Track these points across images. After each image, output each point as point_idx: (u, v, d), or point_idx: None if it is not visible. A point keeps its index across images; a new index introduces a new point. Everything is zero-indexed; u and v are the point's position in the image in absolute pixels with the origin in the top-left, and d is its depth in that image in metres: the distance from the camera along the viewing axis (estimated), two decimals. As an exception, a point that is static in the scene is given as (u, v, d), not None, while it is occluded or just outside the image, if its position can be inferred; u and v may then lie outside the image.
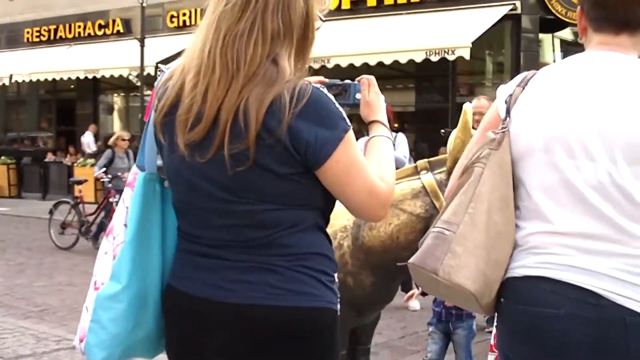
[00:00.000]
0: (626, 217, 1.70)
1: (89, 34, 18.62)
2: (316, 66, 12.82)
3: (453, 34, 12.24)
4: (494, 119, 1.89)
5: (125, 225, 1.79)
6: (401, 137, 6.54)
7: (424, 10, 13.56)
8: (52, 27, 19.26)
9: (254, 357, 1.67)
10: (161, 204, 1.80)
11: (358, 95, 1.87)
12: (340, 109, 1.67)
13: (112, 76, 16.22)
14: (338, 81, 1.86)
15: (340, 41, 13.30)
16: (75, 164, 16.61)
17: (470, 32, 11.88)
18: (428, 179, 3.11)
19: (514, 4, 12.70)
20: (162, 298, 1.78)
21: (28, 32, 19.80)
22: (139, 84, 15.26)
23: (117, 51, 16.46)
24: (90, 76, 16.42)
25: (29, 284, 7.64)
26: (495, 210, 1.78)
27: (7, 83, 18.09)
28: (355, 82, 1.90)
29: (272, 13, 1.64)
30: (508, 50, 13.55)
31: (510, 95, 1.84)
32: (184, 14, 16.83)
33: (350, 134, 1.66)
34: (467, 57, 11.69)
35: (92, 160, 16.13)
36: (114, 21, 18.23)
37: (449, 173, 2.93)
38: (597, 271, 1.70)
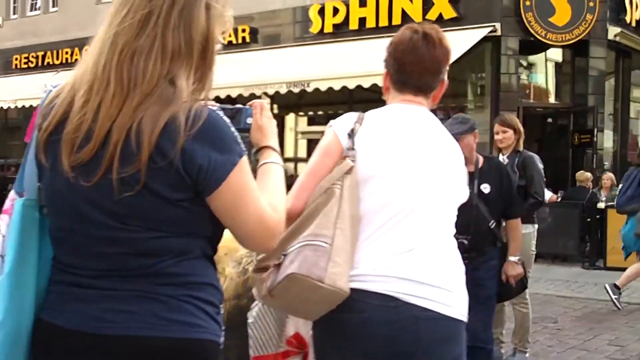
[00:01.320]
0: (430, 232, 2.17)
1: (77, 59, 18.54)
2: (296, 90, 12.86)
3: (431, 57, 12.17)
4: (333, 146, 2.21)
5: (2, 256, 1.63)
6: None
7: (405, 33, 13.53)
8: (40, 53, 19.36)
9: None
10: (39, 232, 1.65)
11: (249, 120, 1.83)
12: (236, 133, 1.59)
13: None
14: (229, 105, 1.81)
15: (321, 65, 13.32)
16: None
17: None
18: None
19: (494, 25, 12.67)
20: (32, 334, 1.62)
21: (16, 59, 19.89)
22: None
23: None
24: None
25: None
26: (353, 225, 2.10)
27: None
28: (247, 106, 1.85)
29: (173, 30, 1.57)
30: (488, 72, 13.50)
31: (352, 129, 2.20)
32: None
33: (245, 159, 1.57)
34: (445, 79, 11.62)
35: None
36: (101, 48, 18.29)
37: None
38: (397, 277, 2.08)
